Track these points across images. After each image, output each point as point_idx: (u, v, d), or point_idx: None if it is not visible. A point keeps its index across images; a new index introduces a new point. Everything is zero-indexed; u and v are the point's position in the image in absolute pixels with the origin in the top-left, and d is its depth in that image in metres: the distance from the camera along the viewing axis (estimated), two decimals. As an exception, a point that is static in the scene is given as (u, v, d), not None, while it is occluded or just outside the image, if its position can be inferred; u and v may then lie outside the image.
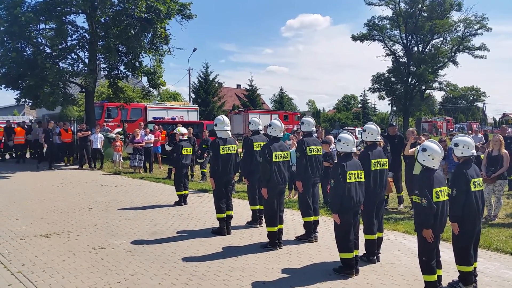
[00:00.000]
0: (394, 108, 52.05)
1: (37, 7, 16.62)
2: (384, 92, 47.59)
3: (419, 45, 43.09)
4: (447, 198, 4.52)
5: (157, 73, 20.41)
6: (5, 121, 22.36)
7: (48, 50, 18.42)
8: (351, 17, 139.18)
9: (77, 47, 18.73)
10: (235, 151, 7.15)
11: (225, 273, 5.14)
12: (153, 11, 17.87)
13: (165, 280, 4.89)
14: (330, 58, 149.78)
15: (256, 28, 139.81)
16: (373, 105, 74.54)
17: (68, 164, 17.03)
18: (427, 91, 47.08)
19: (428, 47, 42.72)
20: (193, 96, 43.48)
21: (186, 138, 9.65)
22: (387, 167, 5.72)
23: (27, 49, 18.37)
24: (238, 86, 63.41)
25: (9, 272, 5.06)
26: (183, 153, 9.14)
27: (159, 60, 20.53)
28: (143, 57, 20.05)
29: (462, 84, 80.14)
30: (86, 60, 18.87)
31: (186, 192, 9.42)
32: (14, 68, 17.52)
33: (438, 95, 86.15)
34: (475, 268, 4.68)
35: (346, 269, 5.08)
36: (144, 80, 21.17)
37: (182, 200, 9.29)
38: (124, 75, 20.71)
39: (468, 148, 4.75)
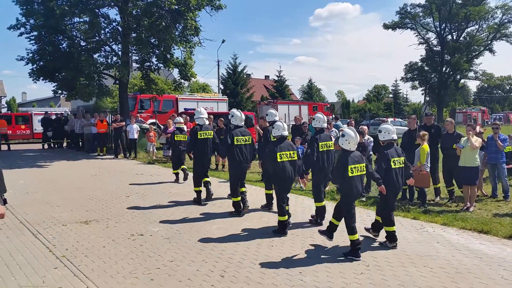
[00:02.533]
0: (428, 98, 50.59)
1: (72, 0, 17.05)
2: (417, 82, 46.35)
3: (453, 33, 41.58)
4: (362, 173, 5.52)
5: (187, 64, 20.59)
6: (43, 112, 23.26)
7: (83, 43, 18.94)
8: (381, 5, 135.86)
9: (111, 39, 19.13)
10: (212, 136, 8.52)
11: (260, 261, 5.16)
12: (183, 3, 17.99)
13: (203, 267, 4.96)
14: (360, 47, 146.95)
15: (284, 18, 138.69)
16: (405, 95, 72.75)
17: (102, 154, 17.53)
18: (462, 80, 45.51)
19: (463, 35, 41.20)
20: (222, 88, 43.70)
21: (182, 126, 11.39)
22: (332, 148, 6.99)
23: (63, 42, 18.97)
24: (266, 77, 63.14)
25: (54, 256, 5.27)
26: (176, 139, 10.83)
27: (189, 52, 20.72)
28: (174, 49, 20.31)
29: (498, 73, 77.03)
30: (120, 53, 19.26)
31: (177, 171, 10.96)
32: (51, 61, 18.13)
33: (473, 85, 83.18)
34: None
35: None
36: (175, 72, 21.44)
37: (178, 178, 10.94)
38: (156, 67, 21.00)
39: (388, 133, 5.82)
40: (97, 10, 18.25)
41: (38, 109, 32.78)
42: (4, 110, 37.54)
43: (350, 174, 5.41)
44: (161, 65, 20.98)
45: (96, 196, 9.11)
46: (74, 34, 19.21)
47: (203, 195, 8.60)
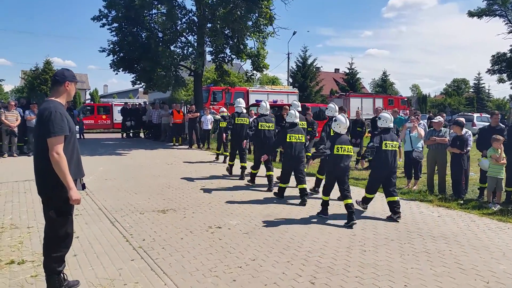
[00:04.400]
0: (517, 93, 45.52)
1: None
2: (505, 74, 41.82)
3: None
4: (349, 153, 6.43)
5: (260, 55, 20.22)
6: (123, 103, 24.32)
7: (160, 35, 19.31)
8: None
9: (187, 30, 19.27)
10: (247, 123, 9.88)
11: (355, 268, 4.46)
12: (259, -10, 17.56)
13: (289, 269, 4.38)
14: (436, 39, 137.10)
15: (355, 10, 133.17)
16: (487, 90, 66.88)
17: (177, 144, 17.76)
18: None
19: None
20: (291, 81, 42.98)
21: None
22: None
23: (141, 33, 19.49)
24: (336, 70, 61.25)
25: (131, 247, 5.00)
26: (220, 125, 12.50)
27: (262, 42, 20.30)
28: (247, 40, 20.01)
29: None
30: (195, 44, 19.36)
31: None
32: (130, 51, 18.71)
33: None
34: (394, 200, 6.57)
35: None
36: (248, 63, 21.20)
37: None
38: (230, 59, 20.88)
39: (386, 121, 6.74)
40: (174, 1, 18.46)
41: (118, 100, 34.60)
42: (88, 101, 40.17)
43: (335, 152, 6.33)
44: (234, 56, 20.84)
45: (173, 185, 8.95)
46: (152, 25, 19.68)
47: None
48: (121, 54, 19.52)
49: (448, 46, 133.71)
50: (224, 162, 12.27)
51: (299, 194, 7.59)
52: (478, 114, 31.28)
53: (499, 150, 7.51)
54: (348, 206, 6.14)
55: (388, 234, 5.74)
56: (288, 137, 7.56)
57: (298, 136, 7.66)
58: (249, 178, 9.43)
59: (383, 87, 54.65)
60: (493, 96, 66.82)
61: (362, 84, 55.12)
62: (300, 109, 9.27)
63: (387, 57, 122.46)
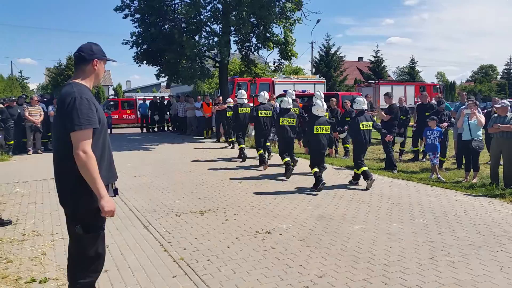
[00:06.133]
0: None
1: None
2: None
3: None
4: (326, 132, 7.41)
5: (288, 43, 19.24)
6: (151, 97, 23.77)
7: (184, 25, 18.55)
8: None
9: (211, 19, 18.45)
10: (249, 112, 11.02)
11: (449, 287, 3.56)
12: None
13: (368, 289, 3.52)
14: (460, 26, 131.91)
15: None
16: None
17: (206, 137, 17.09)
18: None
19: None
20: (314, 71, 41.71)
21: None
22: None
23: (165, 24, 18.76)
24: (360, 59, 59.50)
25: (170, 258, 4.22)
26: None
27: (289, 29, 19.30)
28: (273, 27, 19.05)
29: None
30: (220, 33, 18.52)
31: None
32: (154, 43, 18.02)
33: None
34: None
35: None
36: (275, 52, 20.22)
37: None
38: (256, 47, 19.96)
39: (360, 104, 7.84)
40: (198, -12, 17.63)
41: (142, 94, 34.18)
42: (111, 97, 40.04)
43: (315, 132, 7.35)
44: (260, 45, 19.91)
45: (206, 181, 8.19)
46: (176, 16, 18.94)
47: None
48: (145, 46, 18.88)
49: (472, 32, 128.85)
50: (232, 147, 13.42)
51: (353, 195, 6.69)
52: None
53: None
54: (315, 172, 7.29)
55: (472, 238, 4.79)
56: (281, 121, 8.70)
57: (290, 120, 8.73)
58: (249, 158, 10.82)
59: (411, 74, 52.56)
60: (522, 81, 63.85)
61: (388, 73, 53.32)
62: (294, 96, 11.05)
63: (409, 45, 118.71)
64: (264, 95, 10.42)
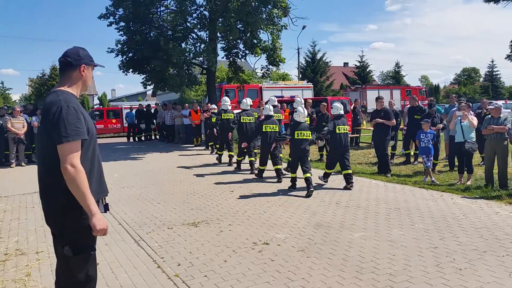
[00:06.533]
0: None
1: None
2: (526, 59, 40.17)
3: None
4: (307, 137, 7.64)
5: (276, 48, 19.16)
6: (137, 105, 23.39)
7: (170, 32, 18.31)
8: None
9: (198, 26, 18.25)
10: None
11: (461, 296, 3.40)
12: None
13: (376, 302, 3.33)
14: (442, 30, 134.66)
15: (358, 4, 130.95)
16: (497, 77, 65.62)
17: (196, 145, 16.84)
18: None
19: None
20: (300, 77, 41.81)
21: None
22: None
23: (151, 32, 18.49)
24: (345, 64, 60.01)
25: (164, 275, 3.98)
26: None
27: (277, 35, 19.24)
28: (260, 33, 18.96)
29: None
30: (207, 39, 18.33)
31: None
32: (139, 51, 17.72)
33: None
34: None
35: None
36: (263, 58, 20.11)
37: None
38: (244, 54, 19.83)
39: (337, 110, 8.20)
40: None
41: (127, 103, 33.72)
42: (96, 106, 39.39)
43: (295, 137, 7.59)
44: (247, 51, 19.78)
45: (197, 191, 7.95)
46: (161, 23, 18.71)
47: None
48: (130, 54, 18.56)
49: (453, 36, 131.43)
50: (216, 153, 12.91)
51: (348, 200, 6.52)
52: (504, 101, 29.89)
53: None
54: (306, 179, 7.40)
55: (475, 243, 4.66)
56: (264, 127, 8.99)
57: (272, 126, 9.06)
58: (235, 165, 10.68)
59: (396, 78, 53.12)
60: (504, 83, 65.23)
61: (373, 77, 53.77)
62: (276, 103, 11.37)
63: (392, 49, 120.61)
64: (247, 101, 10.73)
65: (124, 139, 21.79)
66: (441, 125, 9.69)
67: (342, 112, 8.25)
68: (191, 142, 17.41)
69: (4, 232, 5.63)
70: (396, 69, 54.71)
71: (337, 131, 7.92)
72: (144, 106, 21.34)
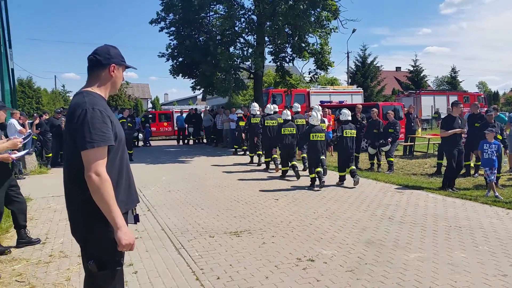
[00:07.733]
0: None
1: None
2: None
3: None
4: (321, 138, 8.73)
5: (325, 52, 18.71)
6: (187, 109, 23.86)
7: (218, 37, 18.42)
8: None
9: (246, 30, 18.22)
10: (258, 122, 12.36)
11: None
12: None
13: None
14: (500, 34, 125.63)
15: (411, 7, 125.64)
16: None
17: (242, 150, 16.77)
18: None
19: None
20: (350, 81, 40.75)
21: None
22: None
23: (200, 37, 18.72)
24: (398, 68, 57.84)
25: (203, 288, 3.79)
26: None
27: (325, 38, 18.78)
28: (308, 37, 18.59)
29: None
30: (254, 44, 18.26)
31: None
32: (189, 56, 17.97)
33: None
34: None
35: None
36: (311, 62, 19.73)
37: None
38: (291, 58, 19.56)
39: (345, 116, 9.20)
40: (233, 0, 17.50)
41: (178, 107, 34.50)
42: (149, 109, 40.70)
43: (311, 139, 8.61)
44: (295, 55, 19.49)
45: (242, 198, 7.75)
46: (210, 28, 18.88)
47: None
48: (180, 59, 18.90)
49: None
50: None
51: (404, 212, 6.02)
52: None
53: None
54: (317, 172, 8.57)
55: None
56: (282, 130, 10.00)
57: (290, 129, 10.04)
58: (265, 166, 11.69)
59: (452, 84, 50.41)
60: None
61: (427, 83, 51.36)
62: (299, 109, 12.80)
63: (447, 54, 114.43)
64: (270, 107, 11.87)
65: (175, 142, 22.26)
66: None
67: (349, 118, 9.24)
68: (238, 147, 17.32)
69: (52, 232, 5.73)
70: (452, 74, 52.08)
71: (345, 135, 8.85)
72: (193, 110, 21.66)
